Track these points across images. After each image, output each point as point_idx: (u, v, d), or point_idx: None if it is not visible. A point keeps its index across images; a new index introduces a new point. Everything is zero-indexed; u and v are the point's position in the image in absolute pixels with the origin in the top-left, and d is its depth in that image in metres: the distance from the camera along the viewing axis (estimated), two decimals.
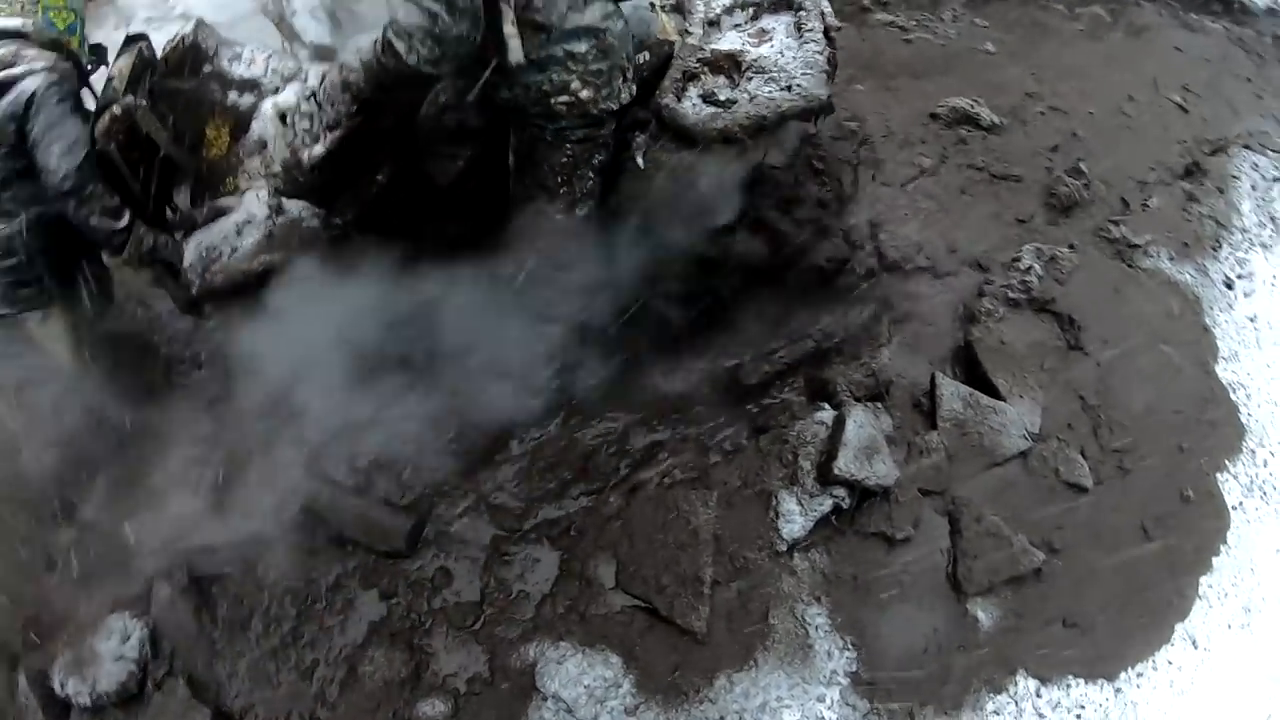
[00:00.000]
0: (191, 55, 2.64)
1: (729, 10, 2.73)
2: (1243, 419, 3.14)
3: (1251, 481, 3.05)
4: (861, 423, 2.74)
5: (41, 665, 2.56)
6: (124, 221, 2.61)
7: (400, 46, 2.10)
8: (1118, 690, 2.69)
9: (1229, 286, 3.38)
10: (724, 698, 2.45)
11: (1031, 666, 2.67)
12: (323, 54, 2.65)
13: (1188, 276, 3.37)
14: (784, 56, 2.61)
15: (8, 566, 2.82)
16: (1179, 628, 2.79)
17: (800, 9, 2.68)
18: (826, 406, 2.84)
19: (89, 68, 2.74)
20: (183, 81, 2.65)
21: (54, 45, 2.61)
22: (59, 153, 2.48)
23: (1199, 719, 2.69)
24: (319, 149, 2.36)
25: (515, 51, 2.20)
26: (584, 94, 2.33)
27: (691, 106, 2.57)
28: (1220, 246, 3.46)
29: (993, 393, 2.97)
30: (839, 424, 2.74)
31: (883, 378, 2.92)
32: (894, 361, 3.00)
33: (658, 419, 2.86)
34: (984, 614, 2.69)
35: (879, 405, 2.85)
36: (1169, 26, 4.25)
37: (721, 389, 2.91)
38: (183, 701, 2.45)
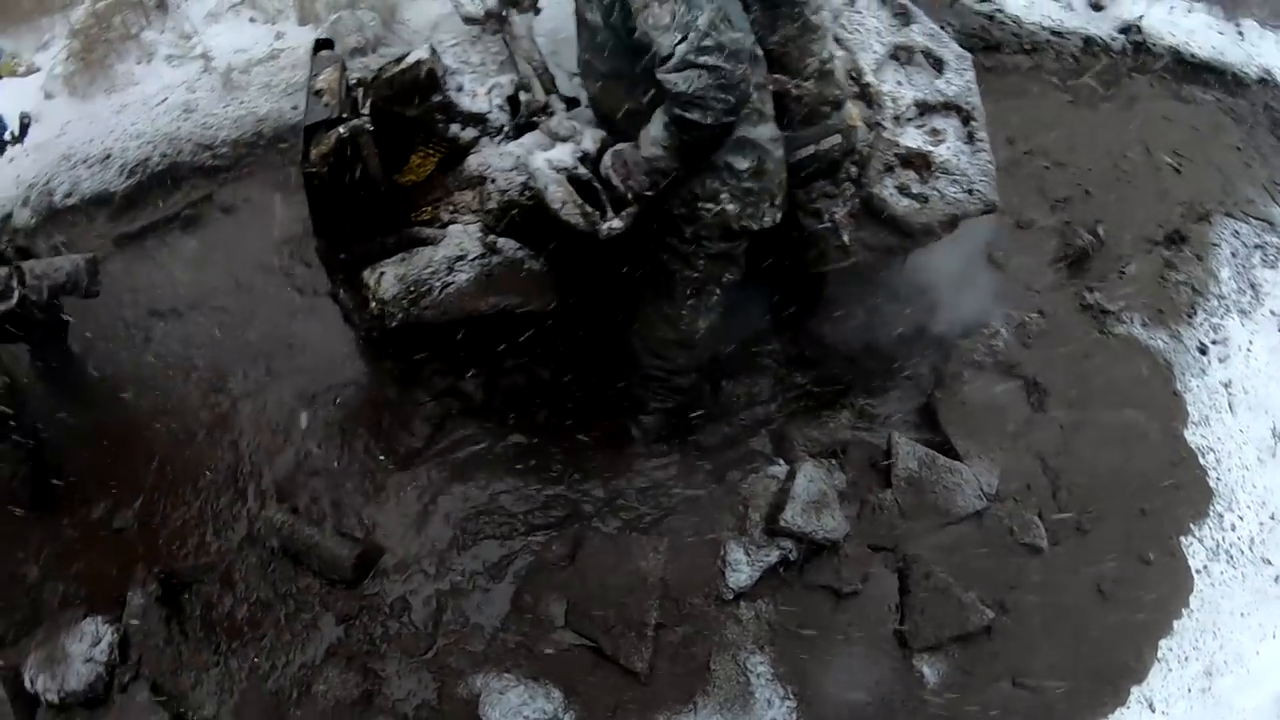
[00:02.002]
0: (426, 83, 2.52)
1: (909, 106, 2.91)
2: (1211, 483, 3.14)
3: (1218, 545, 3.04)
4: (812, 477, 2.84)
5: (15, 661, 2.71)
6: (13, 302, 2.61)
7: (696, 116, 2.16)
8: None
9: (1202, 352, 3.41)
10: None
11: None
12: (570, 104, 2.67)
13: (1160, 342, 3.40)
14: (961, 160, 2.85)
15: None
16: (1135, 690, 2.80)
17: (971, 119, 2.92)
18: (781, 461, 2.94)
19: (9, 139, 2.88)
20: (409, 108, 2.53)
21: None
22: None
23: None
24: (618, 224, 2.42)
25: None
26: (730, 208, 2.40)
27: (890, 196, 2.77)
28: (1195, 313, 3.49)
29: (951, 453, 3.04)
30: (789, 478, 2.84)
31: (839, 437, 3.01)
32: (855, 421, 3.10)
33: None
34: (930, 670, 2.73)
35: (833, 462, 2.94)
36: (1160, 97, 4.31)
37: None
38: (144, 706, 2.60)
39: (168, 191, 3.82)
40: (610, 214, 2.46)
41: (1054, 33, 4.32)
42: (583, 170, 2.47)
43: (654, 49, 2.14)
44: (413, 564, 2.83)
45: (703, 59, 2.09)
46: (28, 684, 2.67)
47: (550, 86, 2.67)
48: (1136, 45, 4.36)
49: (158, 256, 3.68)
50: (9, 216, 3.72)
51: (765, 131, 2.39)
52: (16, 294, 2.61)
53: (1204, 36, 4.43)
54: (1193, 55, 4.36)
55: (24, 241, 3.30)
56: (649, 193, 2.44)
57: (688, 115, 2.18)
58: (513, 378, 3.03)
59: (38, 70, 3.12)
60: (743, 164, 2.37)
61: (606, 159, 2.47)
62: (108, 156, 3.83)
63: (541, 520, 2.88)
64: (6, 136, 2.92)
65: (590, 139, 2.54)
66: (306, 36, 4.17)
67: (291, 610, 2.78)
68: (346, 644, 2.69)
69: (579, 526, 2.85)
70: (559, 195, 2.41)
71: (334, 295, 2.83)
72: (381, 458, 3.03)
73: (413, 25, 4.08)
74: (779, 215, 2.51)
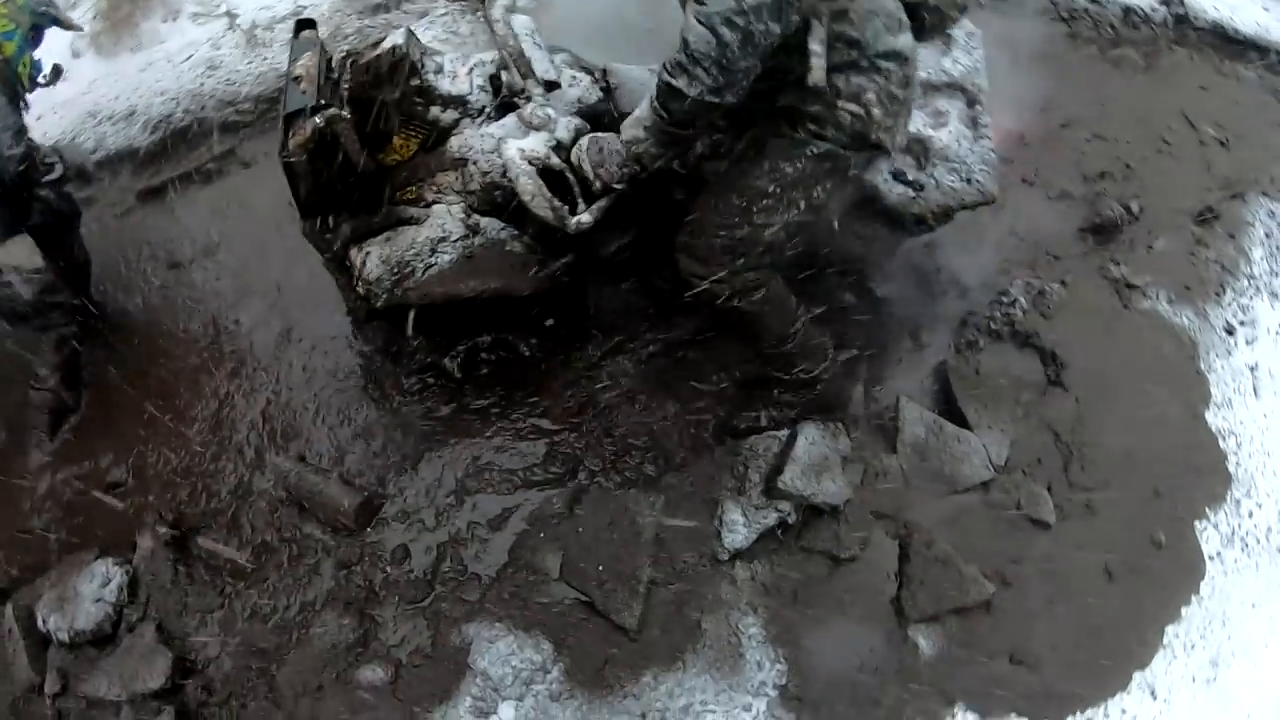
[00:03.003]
0: (400, 68, 2.48)
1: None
2: (1230, 468, 3.04)
3: (1233, 532, 2.95)
4: (814, 440, 2.80)
5: (29, 600, 2.79)
6: (59, 171, 3.12)
7: (682, 83, 2.11)
8: None
9: (1229, 332, 3.29)
10: (648, 695, 2.53)
11: (971, 700, 2.64)
12: (550, 87, 2.63)
13: (1185, 320, 3.30)
14: (961, 146, 2.78)
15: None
16: (1138, 675, 2.72)
17: (975, 102, 2.85)
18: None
19: (42, 81, 3.09)
20: (387, 93, 2.49)
21: None
22: (8, 142, 2.83)
23: None
24: (587, 218, 2.39)
25: (818, 71, 2.13)
26: (875, 110, 2.25)
27: (883, 182, 2.71)
28: (1224, 292, 3.37)
29: (961, 421, 2.98)
30: (791, 440, 2.80)
31: (844, 398, 2.96)
32: (863, 383, 3.04)
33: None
34: (925, 641, 2.69)
35: (838, 425, 2.88)
36: (1202, 71, 4.16)
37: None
38: (149, 645, 2.66)
39: (191, 147, 3.88)
40: (581, 207, 2.43)
41: (1092, 0, 4.19)
42: (555, 160, 2.44)
43: None
44: (414, 513, 2.84)
45: (722, 29, 2.02)
46: (40, 624, 2.74)
47: (526, 71, 2.63)
48: (1178, 18, 4.21)
49: (179, 210, 3.74)
50: None
51: (906, 41, 2.27)
52: (60, 167, 3.15)
53: (1248, 13, 4.26)
54: (1236, 31, 4.20)
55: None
56: (619, 185, 2.39)
57: (674, 81, 2.13)
58: (518, 336, 3.03)
59: (82, 29, 3.35)
60: (890, 65, 2.24)
61: (582, 143, 2.43)
62: (132, 113, 3.91)
63: (542, 476, 2.87)
64: (41, 79, 3.06)
65: (564, 127, 2.53)
66: None
67: (295, 555, 2.82)
68: (346, 589, 2.72)
69: (579, 481, 2.84)
70: (529, 188, 2.38)
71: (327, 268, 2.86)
72: (386, 412, 3.06)
73: None
74: (903, 144, 2.39)
